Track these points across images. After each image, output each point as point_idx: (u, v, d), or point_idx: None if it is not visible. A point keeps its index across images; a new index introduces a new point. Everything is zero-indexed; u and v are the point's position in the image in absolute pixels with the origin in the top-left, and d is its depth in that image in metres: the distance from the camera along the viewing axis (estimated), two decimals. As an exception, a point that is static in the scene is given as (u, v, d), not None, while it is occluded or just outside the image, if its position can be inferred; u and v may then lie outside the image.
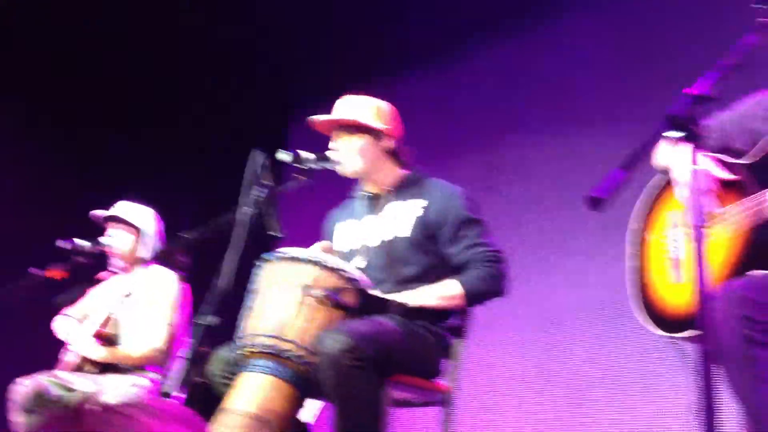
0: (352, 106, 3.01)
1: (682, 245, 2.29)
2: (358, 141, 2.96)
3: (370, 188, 3.07)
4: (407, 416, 4.49)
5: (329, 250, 2.99)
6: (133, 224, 3.96)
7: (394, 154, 3.02)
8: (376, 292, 2.71)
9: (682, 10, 4.38)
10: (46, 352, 3.96)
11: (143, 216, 4.03)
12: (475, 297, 2.79)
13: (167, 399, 2.52)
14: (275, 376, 2.49)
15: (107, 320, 3.72)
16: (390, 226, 2.94)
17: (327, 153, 2.91)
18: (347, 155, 2.94)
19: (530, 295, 4.60)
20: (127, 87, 5.70)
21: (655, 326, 2.26)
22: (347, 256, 2.99)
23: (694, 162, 1.65)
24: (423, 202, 2.92)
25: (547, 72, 4.95)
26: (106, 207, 4.07)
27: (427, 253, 2.87)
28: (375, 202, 3.04)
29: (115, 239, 3.96)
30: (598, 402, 4.21)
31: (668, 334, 2.20)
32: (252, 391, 2.47)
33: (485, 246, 2.83)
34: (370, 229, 2.99)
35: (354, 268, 2.68)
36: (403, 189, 3.00)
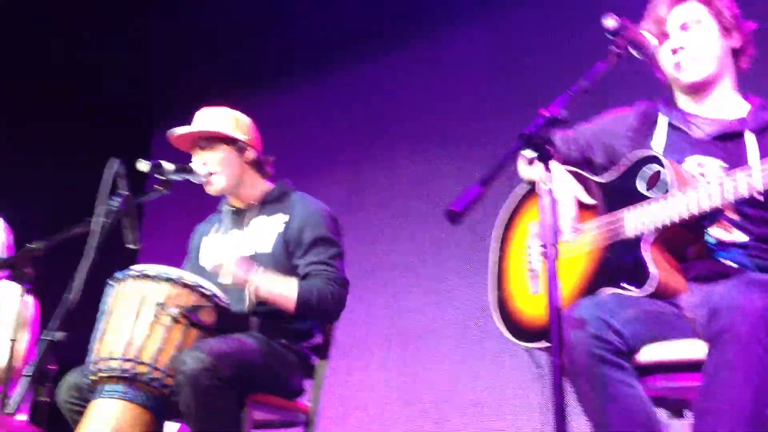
0: (211, 118, 2.95)
1: (539, 257, 2.34)
2: (220, 153, 2.90)
3: (235, 202, 3.00)
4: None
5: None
6: None
7: (257, 166, 2.97)
8: (256, 290, 2.65)
9: (541, 33, 4.54)
10: None
11: None
12: (305, 306, 2.70)
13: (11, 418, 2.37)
14: (129, 401, 2.40)
15: None
16: (252, 242, 2.88)
17: (190, 165, 2.83)
18: (210, 168, 2.87)
19: (393, 313, 4.64)
20: None
21: (512, 335, 2.30)
22: (212, 272, 2.91)
23: (545, 181, 1.70)
24: (285, 218, 2.88)
25: (411, 90, 5.03)
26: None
27: (289, 269, 2.82)
28: (240, 216, 2.98)
29: None
30: (459, 420, 4.26)
31: (524, 344, 2.24)
32: (105, 420, 2.36)
33: (333, 268, 2.79)
34: (234, 245, 2.92)
35: (211, 284, 2.60)
36: (268, 203, 2.95)
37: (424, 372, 4.46)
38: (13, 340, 2.36)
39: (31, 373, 2.04)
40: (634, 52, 2.17)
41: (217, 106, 3.02)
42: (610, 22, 2.02)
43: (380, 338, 4.66)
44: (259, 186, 2.98)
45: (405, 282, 4.68)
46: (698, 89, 2.30)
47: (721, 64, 2.29)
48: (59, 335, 2.11)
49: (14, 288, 3.59)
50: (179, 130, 2.92)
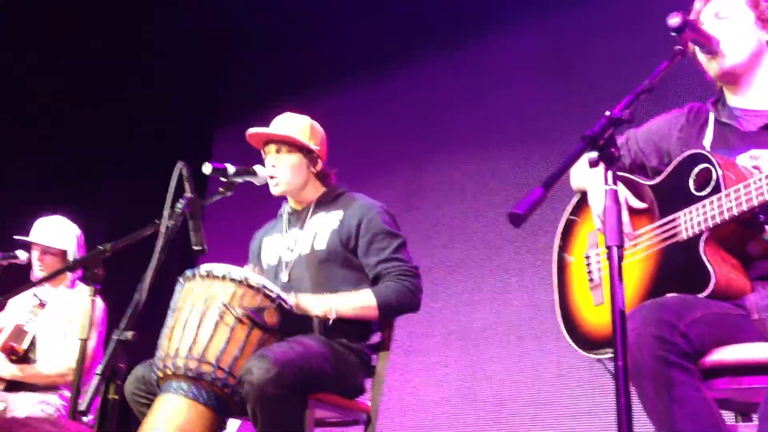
0: (292, 124, 3.00)
1: (600, 266, 2.32)
2: (294, 159, 2.96)
3: (294, 204, 3.07)
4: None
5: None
6: (58, 248, 3.85)
7: (321, 175, 3.03)
8: (305, 299, 2.68)
9: (603, 33, 4.50)
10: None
11: (65, 234, 3.91)
12: (388, 308, 2.79)
13: (81, 418, 2.44)
14: (194, 399, 2.45)
15: (16, 332, 3.59)
16: (310, 240, 2.93)
17: (253, 167, 2.89)
18: (280, 172, 2.93)
19: (453, 313, 4.64)
20: (46, 96, 5.53)
21: (580, 347, 2.27)
22: (273, 271, 2.96)
23: (609, 182, 1.68)
24: (340, 215, 2.94)
25: (469, 91, 5.03)
26: (26, 220, 3.94)
27: (347, 265, 2.88)
28: (299, 216, 3.03)
29: (44, 266, 3.81)
30: (519, 419, 4.25)
31: (593, 355, 2.22)
32: (171, 415, 2.42)
33: (401, 261, 2.85)
34: (293, 243, 2.97)
35: (276, 286, 2.65)
36: (323, 203, 3.01)
37: (483, 370, 4.46)
38: (83, 340, 2.42)
39: (103, 372, 2.09)
40: (698, 50, 2.14)
41: (280, 110, 3.08)
42: (674, 20, 2.00)
43: (439, 337, 4.67)
44: (318, 192, 3.05)
45: (464, 281, 4.69)
46: (734, 79, 2.24)
47: (757, 54, 2.23)
48: (129, 335, 2.16)
49: (85, 288, 3.71)
50: (259, 130, 2.98)
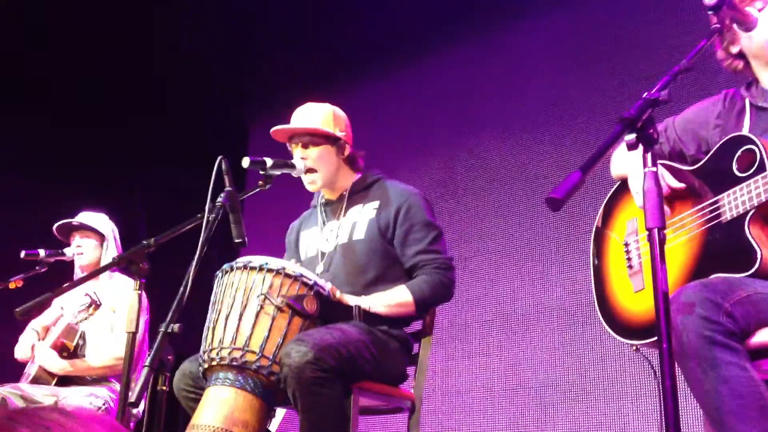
0: (313, 115, 3.01)
1: (640, 252, 2.31)
2: (320, 149, 2.97)
3: (328, 195, 3.08)
4: (374, 423, 4.49)
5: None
6: (100, 233, 3.94)
7: (350, 160, 3.04)
8: (339, 296, 2.71)
9: (636, 14, 4.44)
10: (10, 365, 3.90)
11: (106, 225, 4.00)
12: (423, 304, 2.83)
13: (131, 409, 2.49)
14: (241, 388, 2.48)
15: (67, 330, 3.67)
16: (347, 231, 2.95)
17: (292, 161, 2.91)
18: (310, 164, 2.95)
19: (494, 299, 4.64)
20: (88, 92, 5.61)
21: (619, 334, 2.27)
22: (310, 262, 2.99)
23: (648, 165, 1.67)
24: (375, 204, 2.95)
25: (502, 77, 5.00)
26: (67, 216, 4.02)
27: (385, 255, 2.89)
28: (335, 207, 3.05)
29: (83, 249, 3.92)
30: (561, 406, 4.24)
31: (632, 342, 2.21)
32: (218, 406, 2.46)
33: (437, 253, 2.86)
34: (330, 235, 2.99)
35: (313, 274, 2.68)
36: (357, 192, 3.02)
37: (525, 357, 4.45)
38: (131, 333, 2.47)
39: (151, 365, 2.13)
40: (737, 28, 2.11)
41: (313, 101, 3.09)
42: (711, -3, 1.97)
43: (480, 324, 4.67)
44: (351, 178, 3.06)
45: (502, 267, 4.68)
46: None
47: None
48: (175, 327, 2.20)
49: (130, 282, 3.77)
50: (283, 126, 3.00)
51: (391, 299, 2.79)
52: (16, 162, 5.43)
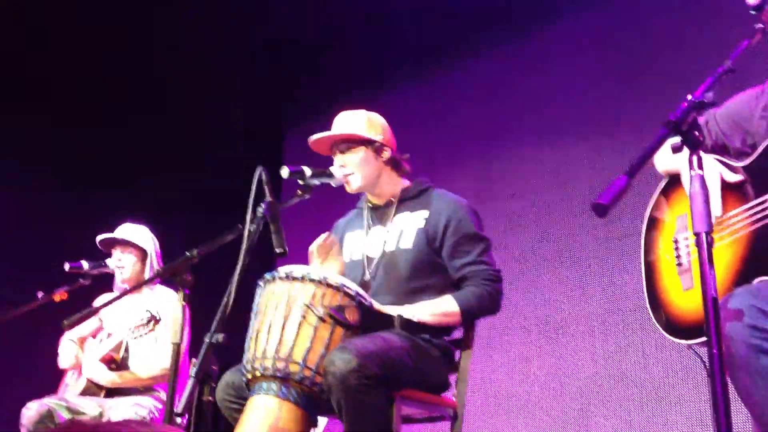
0: (348, 122, 3.03)
1: (689, 251, 2.28)
2: (359, 154, 2.98)
3: (374, 199, 3.09)
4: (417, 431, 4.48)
5: (329, 246, 3.00)
6: (140, 246, 3.98)
7: (393, 164, 3.04)
8: (379, 307, 2.71)
9: (673, 16, 4.39)
10: (54, 376, 3.96)
11: (147, 237, 4.05)
12: (469, 315, 2.83)
13: (176, 419, 2.51)
14: (284, 398, 2.49)
15: (119, 346, 3.73)
16: (395, 238, 2.95)
17: (330, 169, 2.93)
18: (349, 170, 2.96)
19: (534, 305, 4.61)
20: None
21: (669, 333, 2.24)
22: (355, 266, 3.00)
23: (695, 167, 1.65)
24: (425, 213, 2.94)
25: (539, 80, 4.97)
26: (106, 229, 4.08)
27: (431, 265, 2.89)
28: (382, 213, 3.05)
29: (124, 261, 3.97)
30: (604, 412, 4.19)
31: (683, 341, 2.18)
32: (263, 416, 2.47)
33: (485, 264, 2.86)
34: (376, 241, 3.00)
35: (355, 284, 2.68)
36: (407, 200, 3.02)
37: (566, 364, 4.41)
38: (176, 344, 2.50)
39: (196, 375, 2.15)
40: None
41: (347, 108, 3.10)
42: (753, -4, 1.94)
43: (520, 331, 4.64)
44: (397, 183, 3.06)
45: (541, 273, 4.65)
46: None
47: None
48: (220, 337, 2.21)
49: (173, 293, 3.81)
50: (318, 135, 3.02)
51: (437, 308, 2.79)
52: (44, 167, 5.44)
